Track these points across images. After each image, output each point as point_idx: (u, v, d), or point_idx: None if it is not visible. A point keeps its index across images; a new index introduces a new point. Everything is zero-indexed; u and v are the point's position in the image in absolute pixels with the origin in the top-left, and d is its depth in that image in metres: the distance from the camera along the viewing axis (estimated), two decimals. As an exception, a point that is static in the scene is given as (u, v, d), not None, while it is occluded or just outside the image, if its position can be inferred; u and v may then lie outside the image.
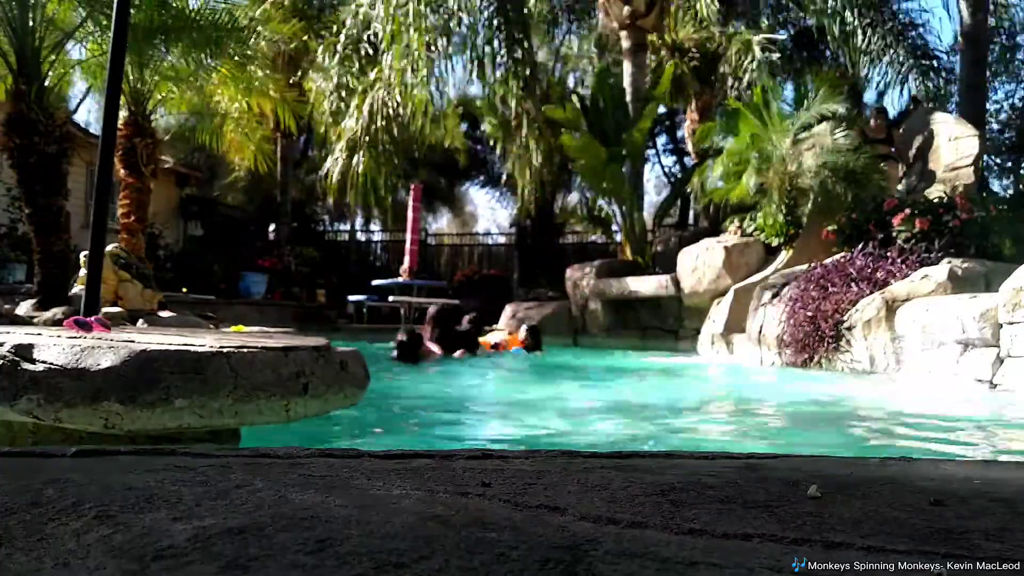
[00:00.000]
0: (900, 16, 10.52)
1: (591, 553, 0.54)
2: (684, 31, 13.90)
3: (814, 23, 10.65)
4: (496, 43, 12.74)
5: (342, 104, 13.43)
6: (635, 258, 12.74)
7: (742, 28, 13.13)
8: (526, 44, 13.06)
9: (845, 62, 11.23)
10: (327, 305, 15.99)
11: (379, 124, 13.06)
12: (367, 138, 13.20)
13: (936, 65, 10.49)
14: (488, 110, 15.82)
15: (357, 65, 12.83)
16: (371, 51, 12.84)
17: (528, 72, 13.07)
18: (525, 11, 13.48)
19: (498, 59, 12.86)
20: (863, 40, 10.12)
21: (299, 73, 14.65)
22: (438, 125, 15.13)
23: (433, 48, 12.66)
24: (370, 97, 13.01)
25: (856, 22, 10.16)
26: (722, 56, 13.10)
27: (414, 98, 12.42)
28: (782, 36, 13.78)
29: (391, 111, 12.97)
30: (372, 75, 12.93)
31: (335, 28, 13.67)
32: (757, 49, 12.17)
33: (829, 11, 10.33)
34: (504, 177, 17.59)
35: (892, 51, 10.20)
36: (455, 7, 12.77)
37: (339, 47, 13.08)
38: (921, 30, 10.71)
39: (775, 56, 12.26)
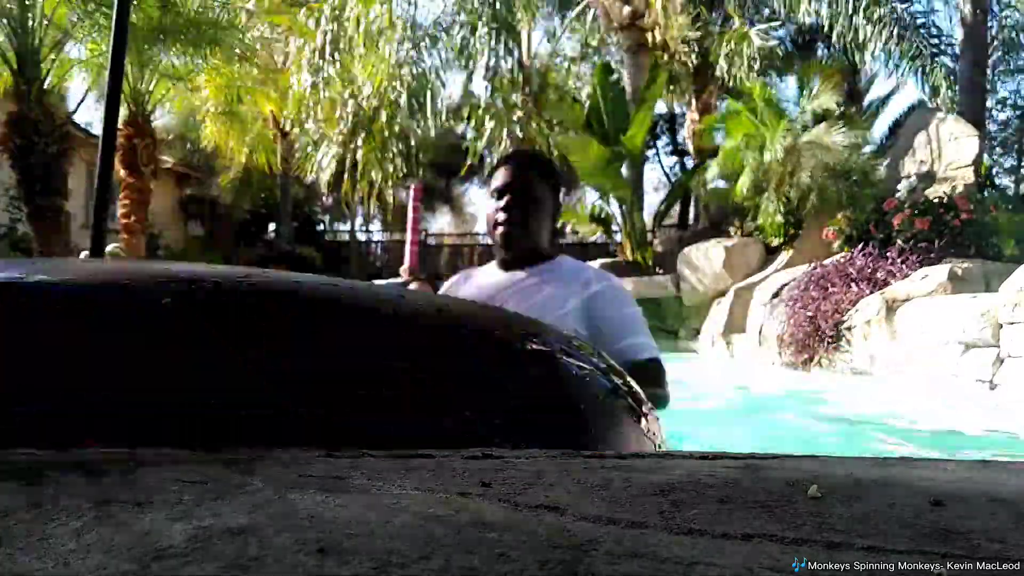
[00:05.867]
0: (905, 17, 10.48)
1: (591, 553, 0.54)
2: (678, 29, 13.78)
3: (826, 18, 10.55)
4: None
5: (323, 95, 13.15)
6: (635, 258, 12.73)
7: (735, 23, 12.98)
8: (503, 38, 12.89)
9: (848, 58, 11.18)
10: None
11: (381, 118, 12.89)
12: (364, 128, 13.02)
13: (940, 65, 10.45)
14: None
15: (345, 48, 12.53)
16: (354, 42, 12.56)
17: (515, 69, 12.87)
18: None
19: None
20: (871, 37, 10.09)
21: (291, 64, 14.42)
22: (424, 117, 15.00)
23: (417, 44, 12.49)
24: (367, 86, 12.78)
25: (861, 19, 10.13)
26: (718, 54, 13.03)
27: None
28: (777, 28, 13.64)
29: (390, 99, 12.78)
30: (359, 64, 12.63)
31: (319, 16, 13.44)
32: (756, 39, 12.02)
33: (832, 11, 10.30)
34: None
35: (896, 49, 10.18)
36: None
37: (320, 33, 12.85)
38: (922, 32, 10.64)
39: (771, 44, 12.13)
